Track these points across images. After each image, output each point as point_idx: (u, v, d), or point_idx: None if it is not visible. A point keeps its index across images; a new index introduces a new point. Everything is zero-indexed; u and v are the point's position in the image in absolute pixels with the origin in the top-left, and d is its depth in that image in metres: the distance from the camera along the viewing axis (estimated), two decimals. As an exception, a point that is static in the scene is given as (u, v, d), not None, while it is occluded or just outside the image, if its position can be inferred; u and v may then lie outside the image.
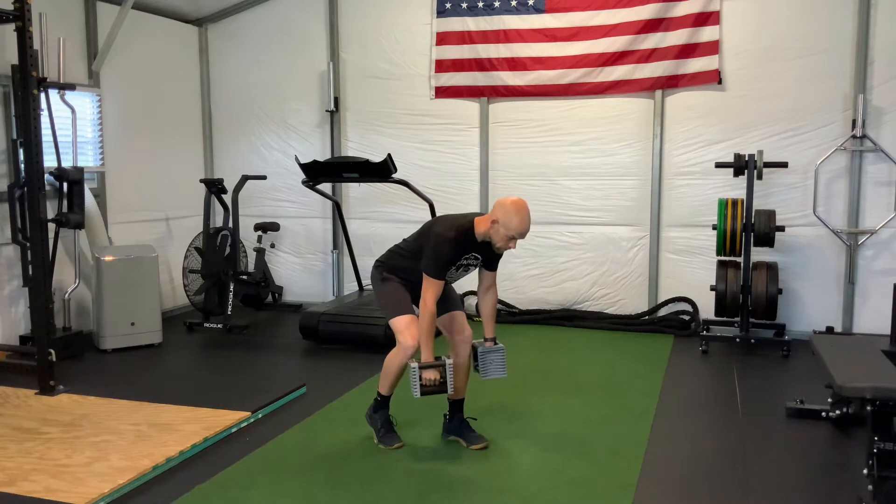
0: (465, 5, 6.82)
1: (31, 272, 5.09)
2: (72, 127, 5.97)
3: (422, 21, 6.98)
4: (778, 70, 6.11)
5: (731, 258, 5.93)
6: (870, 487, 3.21)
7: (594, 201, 6.71)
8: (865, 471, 3.26)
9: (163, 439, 3.93)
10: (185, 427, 4.10)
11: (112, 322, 5.87)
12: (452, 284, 4.02)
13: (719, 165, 5.94)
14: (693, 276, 6.44)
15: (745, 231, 5.71)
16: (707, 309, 6.23)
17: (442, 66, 6.94)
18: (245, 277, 6.97)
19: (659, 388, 4.93)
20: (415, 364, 3.67)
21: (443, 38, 6.92)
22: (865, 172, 5.97)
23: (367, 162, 6.07)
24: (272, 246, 7.56)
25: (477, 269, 3.92)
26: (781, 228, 5.81)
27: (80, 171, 5.83)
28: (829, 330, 5.97)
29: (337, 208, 7.16)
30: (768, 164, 5.81)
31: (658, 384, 5.02)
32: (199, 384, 5.15)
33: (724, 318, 6.01)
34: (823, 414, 4.26)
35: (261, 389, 4.77)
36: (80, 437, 3.99)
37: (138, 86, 6.88)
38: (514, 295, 6.94)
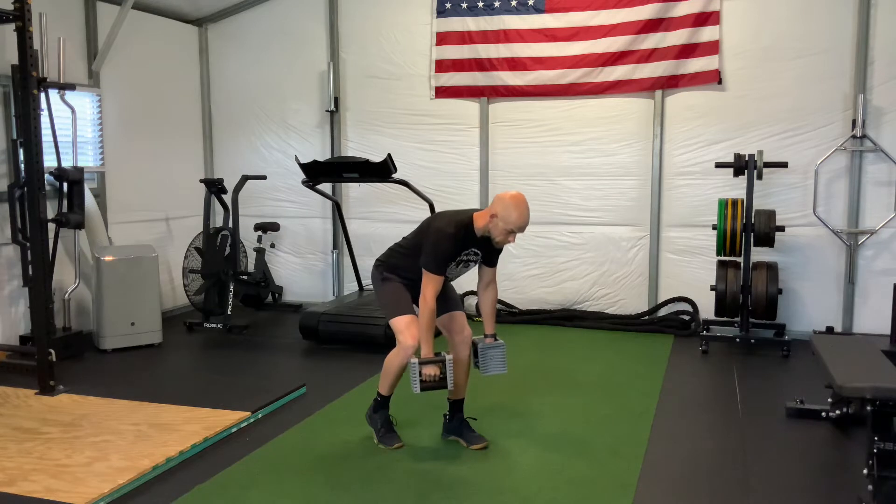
0: (465, 5, 6.82)
1: (31, 272, 5.09)
2: (72, 127, 5.97)
3: (422, 21, 6.99)
4: (778, 70, 6.11)
5: (731, 258, 5.93)
6: (870, 487, 3.21)
7: (594, 201, 6.71)
8: (865, 471, 3.26)
9: (163, 439, 3.93)
10: (185, 427, 4.10)
11: (112, 322, 5.87)
12: (452, 284, 4.03)
13: (719, 165, 5.94)
14: (693, 276, 6.44)
15: (745, 231, 5.71)
16: (707, 309, 6.23)
17: (442, 66, 6.94)
18: (245, 277, 6.97)
19: (659, 388, 4.93)
20: (415, 359, 3.66)
21: (443, 38, 6.92)
22: (865, 172, 5.97)
23: (367, 162, 6.08)
24: (272, 246, 7.56)
25: (477, 265, 3.92)
26: (781, 228, 5.81)
27: (80, 171, 5.83)
28: (829, 330, 5.97)
29: (337, 208, 7.16)
30: (768, 164, 5.81)
31: (658, 384, 5.02)
32: (199, 384, 5.15)
33: (724, 318, 6.01)
34: (823, 414, 4.25)
35: (261, 389, 4.76)
36: (80, 437, 3.99)
37: (138, 86, 6.88)
38: (514, 295, 6.94)
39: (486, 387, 4.69)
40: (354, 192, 7.35)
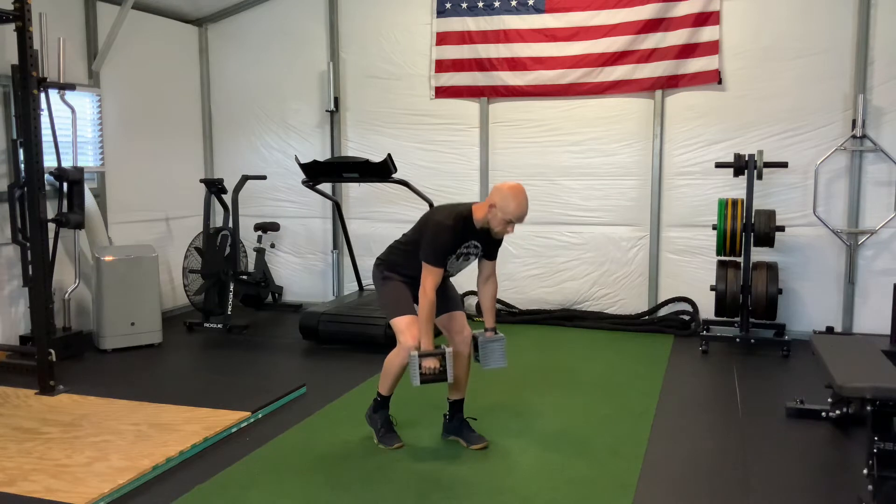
0: (465, 5, 6.82)
1: (31, 272, 5.09)
2: (72, 127, 5.97)
3: (422, 21, 6.99)
4: (778, 70, 6.11)
5: (731, 258, 5.93)
6: (870, 487, 3.21)
7: (594, 201, 6.71)
8: (865, 471, 3.26)
9: (163, 439, 3.93)
10: (185, 427, 4.10)
11: (112, 322, 5.87)
12: (452, 283, 4.02)
13: (719, 165, 5.94)
14: (693, 276, 6.44)
15: (745, 231, 5.71)
16: (707, 309, 6.23)
17: (442, 66, 6.94)
18: (245, 277, 6.97)
19: (659, 388, 4.93)
20: (414, 352, 3.65)
21: (443, 38, 6.92)
22: (865, 172, 5.97)
23: (367, 162, 6.08)
24: (272, 246, 7.56)
25: (477, 259, 3.92)
26: (781, 228, 5.81)
27: (80, 171, 5.83)
28: (829, 330, 5.97)
29: (337, 208, 7.16)
30: (768, 164, 5.81)
31: (658, 384, 5.02)
32: (199, 384, 5.15)
33: (724, 318, 6.01)
34: (823, 414, 4.26)
35: (261, 389, 4.76)
36: (80, 437, 3.99)
37: (138, 86, 6.88)
38: (514, 295, 6.94)
39: (486, 387, 4.69)
40: (354, 192, 7.35)
